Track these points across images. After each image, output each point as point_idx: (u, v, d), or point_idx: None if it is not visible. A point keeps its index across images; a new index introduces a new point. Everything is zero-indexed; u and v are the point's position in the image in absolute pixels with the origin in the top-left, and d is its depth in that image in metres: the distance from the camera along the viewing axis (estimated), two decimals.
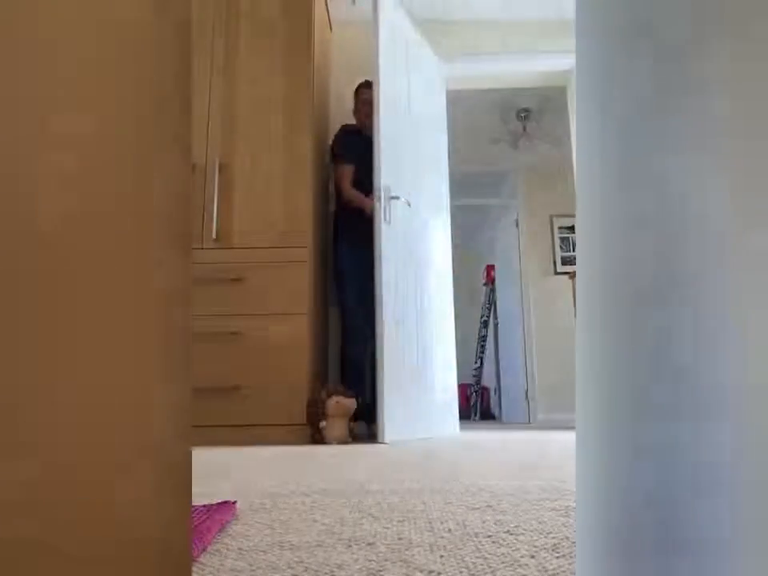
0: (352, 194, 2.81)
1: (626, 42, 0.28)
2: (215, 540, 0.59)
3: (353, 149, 2.83)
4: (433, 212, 3.11)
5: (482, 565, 0.48)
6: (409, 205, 2.74)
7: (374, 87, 2.65)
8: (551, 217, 5.18)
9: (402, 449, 1.94)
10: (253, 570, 0.48)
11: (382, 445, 2.22)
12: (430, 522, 0.66)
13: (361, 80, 3.07)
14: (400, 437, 2.43)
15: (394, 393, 2.47)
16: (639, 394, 0.26)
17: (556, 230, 5.15)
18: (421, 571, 0.47)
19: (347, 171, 2.84)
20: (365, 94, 3.01)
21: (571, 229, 5.13)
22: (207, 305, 2.41)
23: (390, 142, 2.67)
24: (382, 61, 2.69)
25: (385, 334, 2.42)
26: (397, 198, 2.61)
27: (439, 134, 3.31)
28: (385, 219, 2.52)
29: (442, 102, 3.38)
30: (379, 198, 2.52)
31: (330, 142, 3.06)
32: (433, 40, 3.54)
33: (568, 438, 2.44)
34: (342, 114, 3.26)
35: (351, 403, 2.27)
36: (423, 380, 2.75)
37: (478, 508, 0.75)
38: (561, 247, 5.12)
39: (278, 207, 2.54)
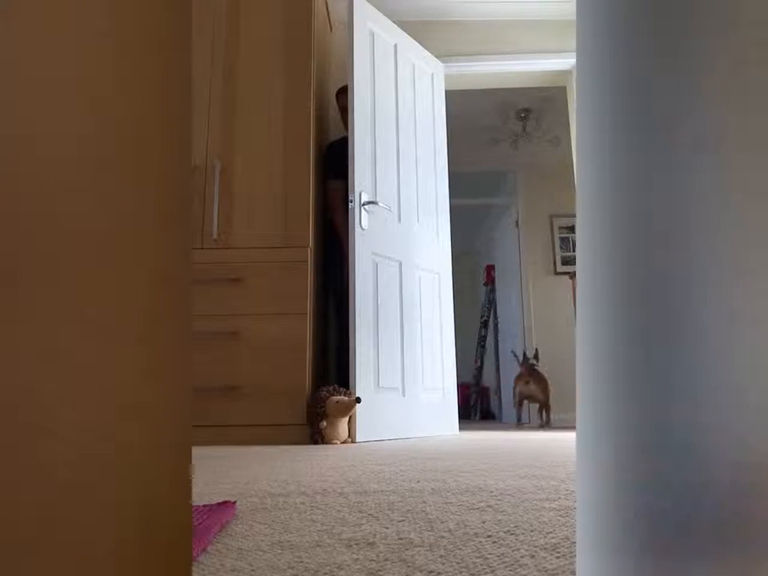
0: (337, 220, 2.83)
1: (626, 41, 0.28)
2: (215, 540, 0.59)
3: (339, 162, 2.83)
4: (429, 213, 3.11)
5: (481, 565, 0.48)
6: (390, 210, 2.75)
7: (349, 97, 2.66)
8: (551, 217, 5.19)
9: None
10: (253, 570, 0.48)
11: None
12: (429, 522, 0.66)
13: None
14: (379, 437, 2.44)
15: (371, 393, 2.49)
16: (639, 394, 0.26)
17: (556, 230, 5.16)
18: (421, 571, 0.47)
19: (338, 187, 2.84)
20: (341, 101, 3.04)
21: (571, 229, 5.13)
22: (207, 305, 2.41)
23: (368, 147, 2.68)
24: (357, 69, 2.70)
25: (357, 336, 2.44)
26: (374, 203, 2.62)
27: (438, 134, 3.31)
28: (359, 225, 2.54)
29: (440, 102, 3.38)
30: (353, 204, 2.54)
31: (328, 144, 3.07)
32: (432, 40, 3.55)
33: (568, 438, 2.44)
34: None
35: (351, 403, 2.27)
36: (413, 380, 2.75)
37: (477, 508, 0.75)
38: (561, 247, 5.12)
39: (278, 207, 2.54)
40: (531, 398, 4.07)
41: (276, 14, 2.74)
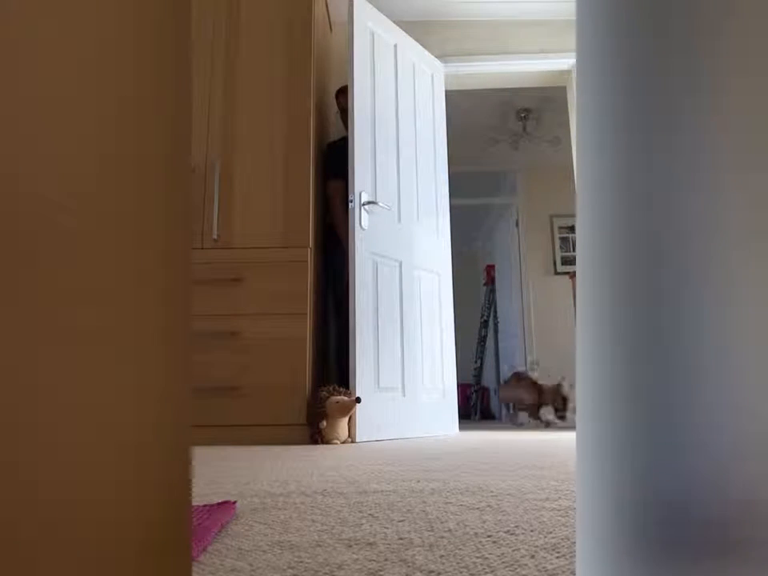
0: (337, 220, 2.84)
1: (626, 41, 0.28)
2: (215, 540, 0.59)
3: (339, 162, 2.83)
4: (429, 213, 3.11)
5: (481, 565, 0.48)
6: (390, 210, 2.75)
7: (349, 96, 2.66)
8: (551, 217, 5.19)
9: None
10: (253, 570, 0.48)
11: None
12: (429, 522, 0.66)
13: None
14: (379, 437, 2.44)
15: (371, 393, 2.49)
16: (639, 394, 0.26)
17: (556, 230, 5.16)
18: (421, 571, 0.47)
19: (337, 187, 2.84)
20: (341, 101, 3.04)
21: (571, 229, 5.13)
22: (207, 305, 2.41)
23: (368, 147, 2.68)
24: (357, 69, 2.70)
25: (357, 336, 2.44)
26: (374, 203, 2.62)
27: (438, 134, 3.31)
28: (359, 225, 2.55)
29: (440, 102, 3.38)
30: (353, 204, 2.55)
31: (328, 144, 3.07)
32: (432, 40, 3.55)
33: (568, 438, 2.44)
34: None
35: (351, 403, 2.27)
36: (413, 380, 2.75)
37: (478, 508, 0.75)
38: (561, 247, 5.12)
39: (278, 207, 2.54)
40: (518, 402, 4.15)
41: (276, 14, 2.74)
